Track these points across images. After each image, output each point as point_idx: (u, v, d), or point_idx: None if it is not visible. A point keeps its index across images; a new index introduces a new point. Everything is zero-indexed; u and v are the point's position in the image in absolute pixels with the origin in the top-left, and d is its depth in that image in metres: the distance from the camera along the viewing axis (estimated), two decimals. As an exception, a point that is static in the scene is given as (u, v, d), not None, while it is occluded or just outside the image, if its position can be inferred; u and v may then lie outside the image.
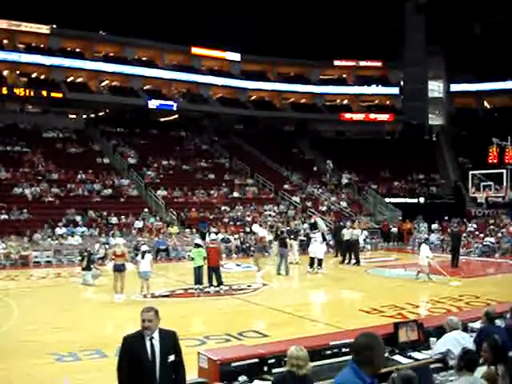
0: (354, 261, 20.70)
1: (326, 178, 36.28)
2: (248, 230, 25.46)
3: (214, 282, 14.49)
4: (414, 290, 14.74)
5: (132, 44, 39.95)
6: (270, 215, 28.64)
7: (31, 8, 35.71)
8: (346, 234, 21.14)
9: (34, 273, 18.92)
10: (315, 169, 38.03)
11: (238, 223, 27.22)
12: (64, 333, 9.91)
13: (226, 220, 27.49)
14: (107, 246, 20.82)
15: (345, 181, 35.37)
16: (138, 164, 32.18)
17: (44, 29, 36.70)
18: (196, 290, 14.21)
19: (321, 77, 46.78)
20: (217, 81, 42.58)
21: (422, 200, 34.18)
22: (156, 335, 4.43)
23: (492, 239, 24.86)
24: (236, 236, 24.87)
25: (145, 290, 13.51)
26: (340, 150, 38.39)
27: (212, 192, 30.47)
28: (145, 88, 40.35)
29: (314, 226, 19.54)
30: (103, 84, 39.63)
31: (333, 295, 15.08)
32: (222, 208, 28.79)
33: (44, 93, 34.33)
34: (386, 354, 6.31)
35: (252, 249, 23.23)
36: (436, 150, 41.52)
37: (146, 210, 26.67)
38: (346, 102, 47.37)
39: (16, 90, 33.83)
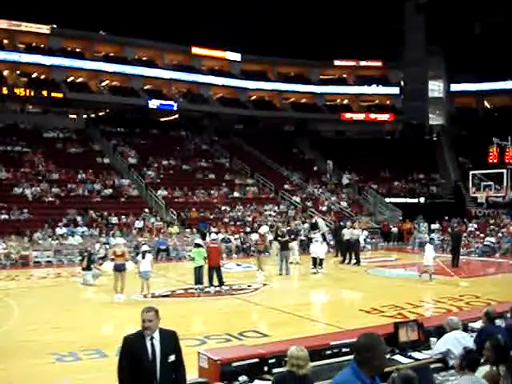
0: (354, 261, 20.70)
1: (326, 177, 36.28)
2: (248, 229, 25.49)
3: (215, 282, 14.49)
4: (414, 290, 14.73)
5: (132, 44, 39.96)
6: (270, 215, 28.64)
7: (31, 8, 35.73)
8: (346, 233, 21.13)
9: (34, 273, 18.94)
10: (315, 169, 38.05)
11: (238, 223, 27.23)
12: (64, 333, 9.91)
13: (226, 220, 27.50)
14: (107, 246, 20.81)
15: (345, 181, 35.37)
16: (139, 164, 32.19)
17: (44, 29, 36.72)
18: (196, 289, 14.20)
19: (321, 77, 46.79)
20: (217, 81, 42.59)
21: (422, 200, 34.18)
22: (156, 335, 4.43)
23: (492, 239, 24.85)
24: (236, 236, 24.88)
25: (145, 289, 13.51)
26: (340, 150, 38.39)
27: (212, 192, 30.48)
28: (145, 88, 40.36)
29: (314, 226, 19.54)
30: (103, 84, 39.64)
31: (333, 295, 15.08)
32: (223, 208, 28.80)
33: (44, 93, 34.34)
34: (388, 354, 6.33)
35: (252, 249, 23.26)
36: (436, 150, 41.51)
37: (146, 209, 26.69)
38: (346, 101, 47.38)
39: (16, 90, 33.84)
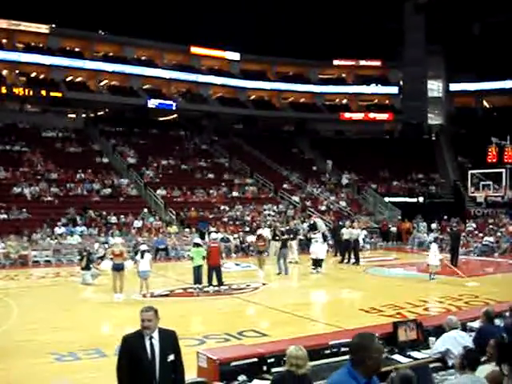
0: (353, 260, 20.70)
1: (325, 177, 36.29)
2: (247, 229, 25.50)
3: (214, 282, 14.49)
4: (414, 290, 14.72)
5: (131, 43, 39.96)
6: (269, 215, 28.63)
7: (30, 7, 35.71)
8: (345, 233, 21.12)
9: (33, 272, 18.92)
10: (314, 168, 38.05)
11: (237, 223, 27.22)
12: (63, 332, 9.91)
13: (225, 219, 27.50)
14: (106, 246, 20.81)
15: (344, 180, 35.37)
16: (138, 163, 32.18)
17: (43, 28, 36.73)
18: (195, 289, 14.21)
19: (320, 76, 46.81)
20: (216, 80, 42.60)
21: (421, 199, 34.19)
22: (155, 335, 4.43)
23: (491, 239, 24.86)
24: (235, 235, 24.87)
25: (144, 289, 13.50)
26: (339, 150, 38.41)
27: (211, 191, 30.47)
28: (144, 87, 40.36)
29: (313, 227, 19.53)
30: (102, 83, 39.62)
31: (332, 295, 15.07)
32: (222, 207, 28.79)
33: (43, 92, 34.33)
34: (386, 354, 6.34)
35: (251, 249, 23.28)
36: (435, 150, 41.54)
37: (145, 209, 26.67)
38: (345, 101, 47.40)
39: (15, 90, 33.83)
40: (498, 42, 39.92)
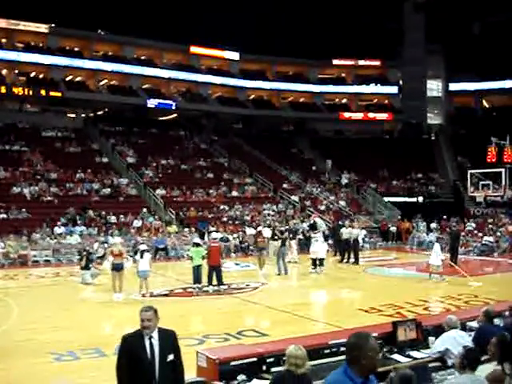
0: (352, 260, 20.70)
1: (324, 177, 36.29)
2: (246, 229, 25.48)
3: (214, 282, 14.49)
4: (413, 289, 14.73)
5: (131, 43, 39.92)
6: (268, 214, 28.64)
7: (30, 7, 35.69)
8: (345, 233, 21.13)
9: (32, 272, 18.90)
10: (314, 168, 38.05)
11: (236, 222, 27.22)
12: (63, 332, 9.91)
13: (224, 219, 27.50)
14: (106, 245, 20.80)
15: (344, 180, 35.37)
16: (137, 163, 32.18)
17: (43, 28, 36.69)
18: (195, 289, 14.21)
19: (320, 76, 46.79)
20: (216, 80, 42.58)
21: (420, 199, 34.21)
22: (155, 334, 4.43)
23: (491, 238, 24.87)
24: (235, 235, 24.87)
25: (144, 289, 13.49)
26: (339, 150, 38.42)
27: (211, 191, 30.48)
28: (144, 87, 40.34)
29: (313, 227, 19.45)
30: (102, 83, 39.60)
31: (332, 294, 15.07)
32: (221, 207, 28.80)
33: (43, 92, 34.30)
34: (386, 353, 6.34)
35: (251, 248, 23.29)
36: (435, 149, 41.55)
37: (144, 209, 26.67)
38: (344, 101, 47.38)
39: (15, 89, 33.80)
40: (497, 42, 39.93)
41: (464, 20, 42.75)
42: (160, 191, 28.85)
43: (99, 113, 40.25)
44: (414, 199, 34.18)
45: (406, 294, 13.54)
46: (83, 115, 38.11)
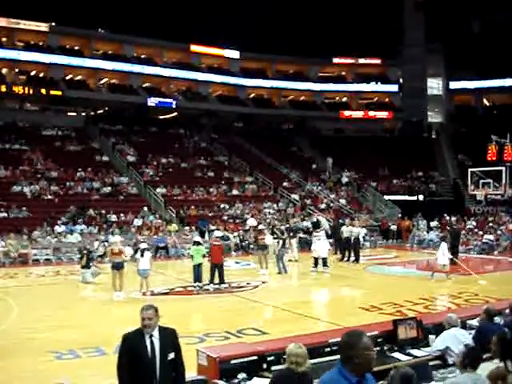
0: (353, 258, 20.70)
1: (325, 175, 36.28)
2: (247, 227, 25.48)
3: (215, 280, 14.50)
4: (413, 288, 14.73)
5: (131, 42, 39.89)
6: (269, 213, 28.65)
7: (30, 6, 35.70)
8: (345, 231, 21.11)
9: (33, 271, 18.91)
10: (314, 166, 38.04)
11: (237, 221, 27.22)
12: (63, 330, 9.91)
13: (225, 218, 27.50)
14: (106, 244, 20.83)
15: (344, 179, 35.35)
16: (137, 162, 32.18)
17: (43, 26, 36.67)
18: (195, 287, 14.22)
19: (320, 74, 46.77)
20: (216, 78, 42.57)
21: (421, 197, 34.18)
22: (156, 333, 4.43)
23: (491, 237, 24.84)
24: (235, 234, 24.88)
25: (144, 287, 13.50)
26: (339, 148, 38.39)
27: (211, 190, 30.48)
28: (144, 86, 40.34)
29: (316, 225, 19.37)
30: (102, 82, 39.61)
31: (332, 293, 15.08)
32: (221, 206, 28.81)
33: (43, 91, 34.34)
34: (387, 352, 6.34)
35: (251, 246, 23.28)
36: (435, 148, 41.52)
37: (145, 207, 26.68)
38: (345, 99, 47.38)
39: (15, 88, 33.83)
40: (497, 40, 39.88)
41: (464, 18, 42.73)
42: (160, 190, 28.86)
43: (99, 111, 40.26)
44: (415, 197, 34.15)
45: (406, 293, 13.54)
46: (83, 114, 38.15)
